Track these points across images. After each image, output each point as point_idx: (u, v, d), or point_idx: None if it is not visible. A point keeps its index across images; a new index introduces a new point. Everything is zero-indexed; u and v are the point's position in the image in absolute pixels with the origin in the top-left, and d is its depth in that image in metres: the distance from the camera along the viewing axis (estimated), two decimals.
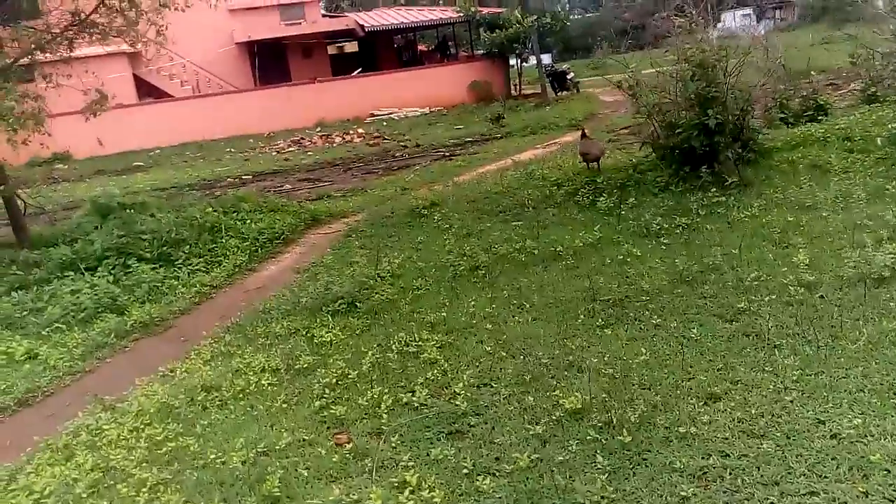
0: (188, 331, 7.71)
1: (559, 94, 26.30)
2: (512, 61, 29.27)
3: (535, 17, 26.01)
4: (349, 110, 28.93)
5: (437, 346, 5.99)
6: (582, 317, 6.17)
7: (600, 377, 5.04)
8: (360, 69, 32.27)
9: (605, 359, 5.31)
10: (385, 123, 27.17)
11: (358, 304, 7.21)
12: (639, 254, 7.44)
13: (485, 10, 28.64)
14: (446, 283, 7.62)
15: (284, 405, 5.39)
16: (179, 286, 8.85)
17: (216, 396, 5.69)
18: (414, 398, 5.11)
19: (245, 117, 28.43)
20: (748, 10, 59.73)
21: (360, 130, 25.42)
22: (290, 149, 23.83)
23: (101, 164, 23.68)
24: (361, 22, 29.24)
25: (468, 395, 5.07)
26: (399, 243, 9.43)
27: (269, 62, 31.43)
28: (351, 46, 36.98)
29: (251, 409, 5.43)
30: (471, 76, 28.70)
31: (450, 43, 33.95)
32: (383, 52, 33.61)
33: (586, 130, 12.39)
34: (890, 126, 10.30)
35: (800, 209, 7.94)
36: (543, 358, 5.50)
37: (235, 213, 11.03)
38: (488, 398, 5.02)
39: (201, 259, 9.55)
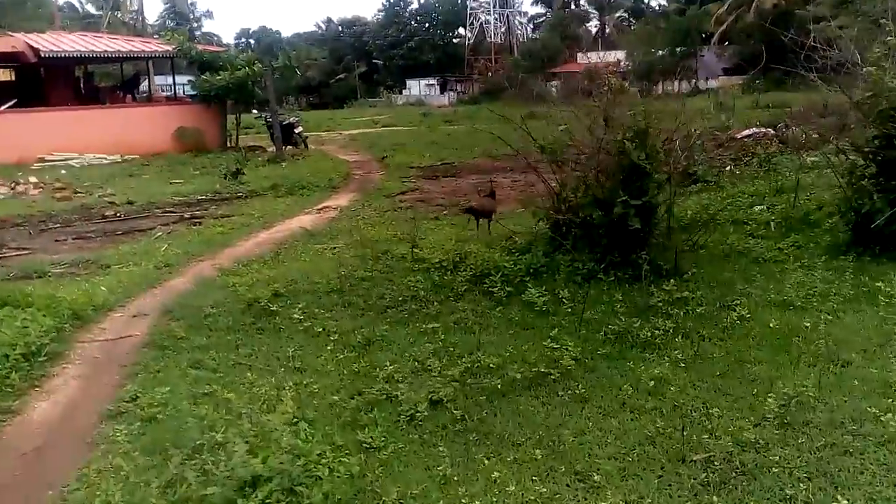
0: None
1: (285, 148, 23.60)
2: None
3: (270, 59, 23.03)
4: (7, 153, 22.78)
5: None
6: (716, 498, 4.01)
7: None
8: (14, 101, 25.88)
9: None
10: (65, 172, 21.82)
11: (299, 490, 4.11)
12: (668, 377, 5.49)
13: (202, 47, 24.85)
14: (409, 436, 4.87)
15: None
16: None
17: None
18: None
19: None
20: (433, 81, 62.94)
21: (32, 179, 19.92)
22: None
23: None
24: (36, 45, 23.36)
25: None
26: (260, 360, 6.24)
27: None
28: None
29: None
30: (177, 121, 24.47)
31: (142, 80, 29.09)
32: (57, 83, 27.40)
33: (496, 190, 10.68)
34: (757, 209, 10.21)
35: (793, 310, 6.71)
36: None
37: None
38: None
39: None
